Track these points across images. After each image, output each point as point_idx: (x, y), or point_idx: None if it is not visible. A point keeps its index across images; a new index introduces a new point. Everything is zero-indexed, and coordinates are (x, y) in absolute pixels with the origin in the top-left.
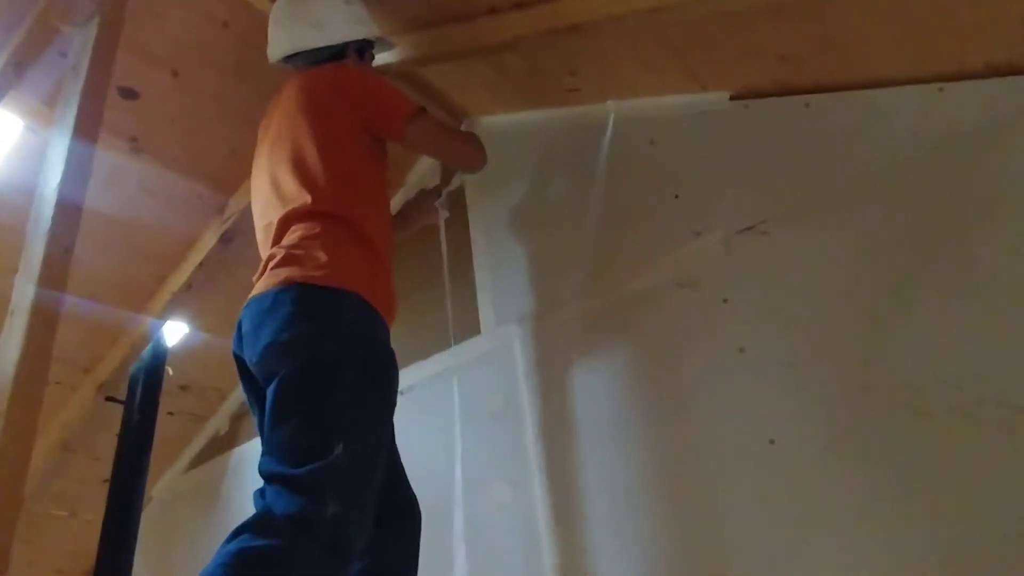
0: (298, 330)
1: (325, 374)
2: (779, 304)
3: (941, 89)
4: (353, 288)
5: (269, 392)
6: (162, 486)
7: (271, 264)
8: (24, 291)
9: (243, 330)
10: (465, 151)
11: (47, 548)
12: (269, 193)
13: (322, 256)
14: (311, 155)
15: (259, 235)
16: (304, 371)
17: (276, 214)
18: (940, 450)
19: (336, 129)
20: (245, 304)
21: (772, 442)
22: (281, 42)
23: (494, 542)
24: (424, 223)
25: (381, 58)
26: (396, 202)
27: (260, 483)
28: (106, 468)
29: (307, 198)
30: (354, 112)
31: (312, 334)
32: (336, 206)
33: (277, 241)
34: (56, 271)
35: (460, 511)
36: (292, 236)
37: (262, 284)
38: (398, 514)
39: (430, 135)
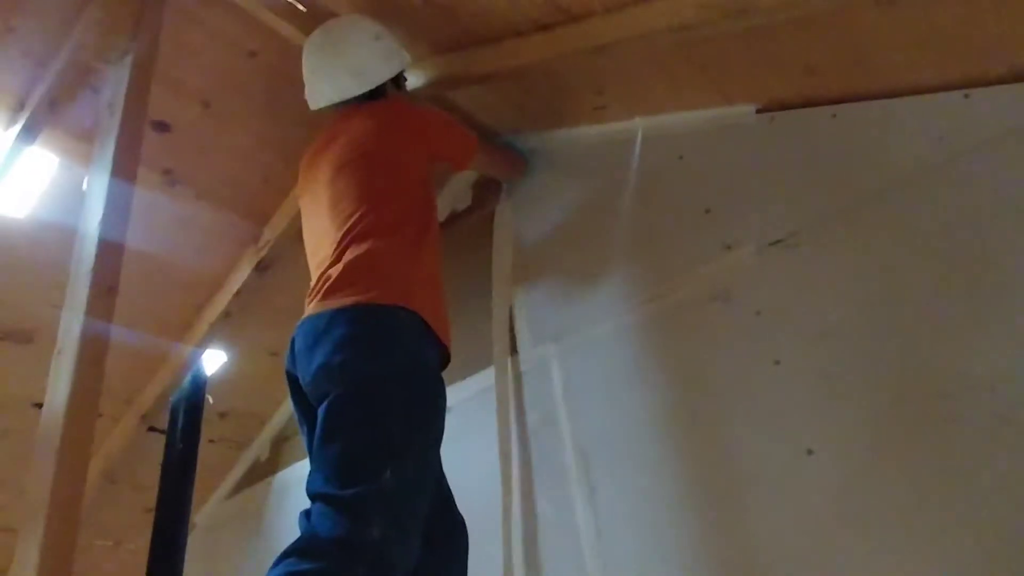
0: (352, 352)
1: (377, 397)
2: (812, 315)
3: (966, 96)
4: (409, 306)
5: (320, 412)
6: (205, 513)
7: (328, 284)
8: (71, 330)
9: (296, 349)
10: (510, 165)
11: None
12: (328, 215)
13: (378, 276)
14: (377, 182)
15: (314, 255)
16: (356, 393)
17: (335, 234)
18: (978, 456)
19: (401, 161)
20: (299, 323)
21: (810, 453)
22: (324, 92)
23: (536, 558)
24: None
25: (408, 81)
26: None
27: (303, 507)
28: (149, 497)
29: (366, 221)
30: (426, 146)
31: (366, 357)
32: (392, 227)
33: (336, 261)
34: (101, 309)
35: (517, 528)
36: (350, 256)
37: (318, 304)
38: (446, 537)
39: (487, 160)
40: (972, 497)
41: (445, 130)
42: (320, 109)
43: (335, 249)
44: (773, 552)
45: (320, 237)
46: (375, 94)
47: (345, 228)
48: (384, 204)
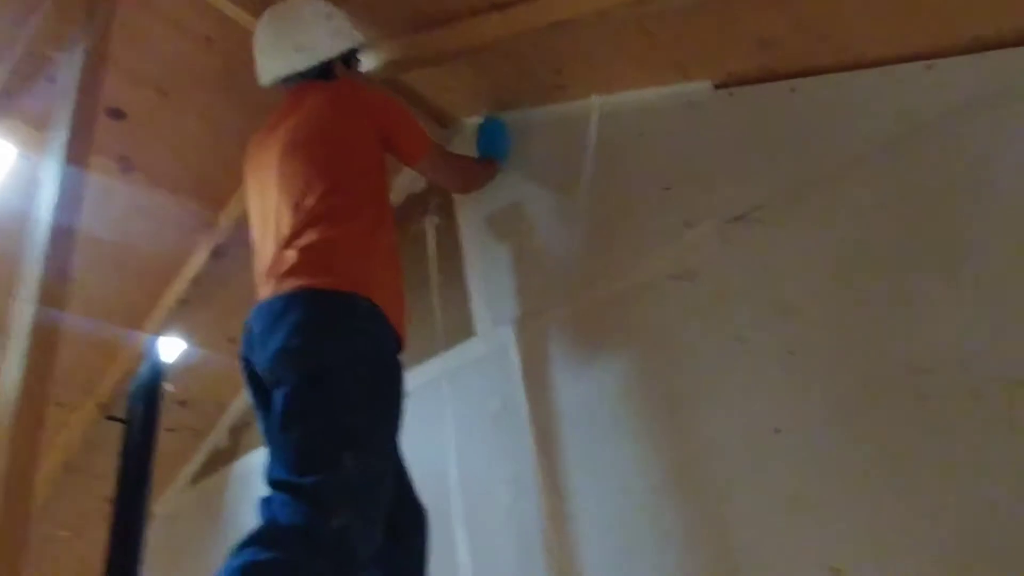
0: (309, 337)
1: (334, 383)
2: (776, 291)
3: (929, 66)
4: (365, 294)
5: (278, 398)
6: (165, 502)
7: (282, 268)
8: (24, 315)
9: (252, 334)
10: (462, 181)
11: (52, 569)
12: (278, 196)
13: (335, 262)
14: (327, 165)
15: (263, 236)
16: (314, 379)
17: (287, 219)
18: (947, 431)
19: (354, 144)
20: (255, 308)
21: (777, 431)
22: (271, 68)
23: (496, 543)
24: (414, 228)
25: (364, 63)
26: None
27: (263, 494)
28: (109, 487)
29: (321, 205)
30: (377, 134)
31: (323, 342)
32: (349, 213)
33: (289, 244)
34: (54, 294)
35: (459, 515)
36: (304, 240)
37: (272, 288)
38: (406, 524)
39: (438, 168)
40: (942, 474)
41: (399, 117)
42: (272, 87)
43: (289, 232)
44: (741, 531)
45: (269, 218)
46: (326, 74)
47: (299, 211)
48: (338, 188)
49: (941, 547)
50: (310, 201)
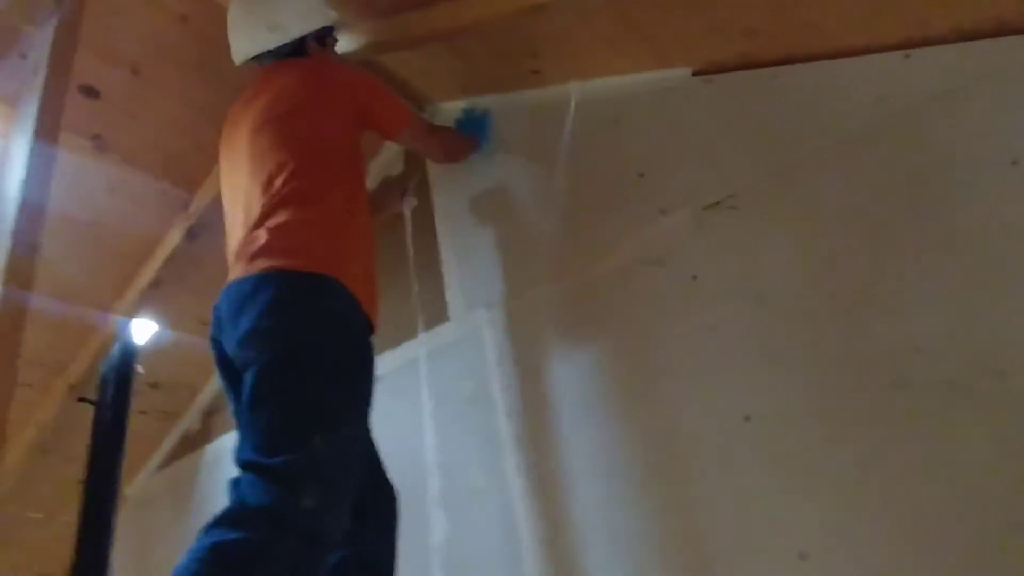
0: (279, 317)
1: (305, 363)
2: (750, 279)
3: (907, 56)
4: (335, 275)
5: (248, 378)
6: (136, 485)
7: (253, 248)
8: None
9: (221, 314)
10: (445, 150)
11: (25, 551)
12: (249, 174)
13: (305, 243)
14: (299, 144)
15: (234, 214)
16: (284, 359)
17: (257, 199)
18: (922, 421)
19: (327, 122)
20: (224, 288)
21: (747, 419)
22: (243, 46)
23: (471, 526)
24: (391, 211)
25: (340, 46)
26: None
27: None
28: (81, 469)
29: (292, 184)
30: (354, 111)
31: (293, 322)
32: (321, 193)
33: (260, 224)
34: (22, 270)
35: (435, 497)
36: (274, 221)
37: (243, 268)
38: (377, 504)
39: (420, 137)
40: (914, 463)
41: (375, 95)
42: (246, 65)
43: (259, 213)
44: (710, 518)
45: (240, 196)
46: (299, 52)
47: (271, 190)
48: (310, 167)
49: (910, 534)
50: (280, 181)
